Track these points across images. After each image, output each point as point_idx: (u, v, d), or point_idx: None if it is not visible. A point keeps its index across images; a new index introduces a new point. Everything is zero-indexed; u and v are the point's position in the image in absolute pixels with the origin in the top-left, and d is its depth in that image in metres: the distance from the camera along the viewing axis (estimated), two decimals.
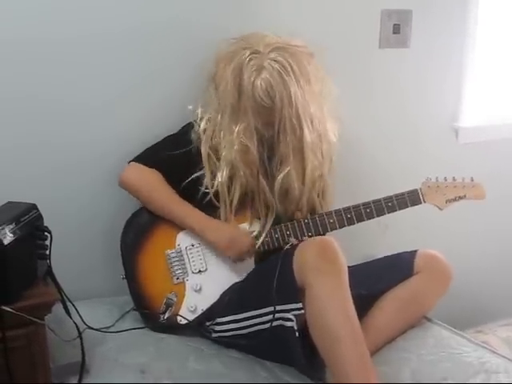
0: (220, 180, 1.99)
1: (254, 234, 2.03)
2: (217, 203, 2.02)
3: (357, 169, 2.43)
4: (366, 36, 2.44)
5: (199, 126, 2.04)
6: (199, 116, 2.05)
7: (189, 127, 2.07)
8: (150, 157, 2.07)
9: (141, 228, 2.09)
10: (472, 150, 2.65)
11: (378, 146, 2.52)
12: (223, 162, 1.99)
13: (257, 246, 2.03)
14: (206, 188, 2.01)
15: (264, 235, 2.03)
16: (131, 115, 2.17)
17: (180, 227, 2.06)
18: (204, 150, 2.01)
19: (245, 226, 2.04)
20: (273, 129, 1.97)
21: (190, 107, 2.07)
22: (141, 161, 2.07)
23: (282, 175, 2.00)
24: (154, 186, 2.05)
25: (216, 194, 2.01)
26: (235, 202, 2.01)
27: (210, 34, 2.10)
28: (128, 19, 2.09)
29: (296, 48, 1.95)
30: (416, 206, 2.06)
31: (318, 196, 2.10)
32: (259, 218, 2.05)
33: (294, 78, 1.91)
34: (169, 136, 2.10)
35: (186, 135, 2.06)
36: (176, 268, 2.05)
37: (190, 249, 2.06)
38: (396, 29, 2.47)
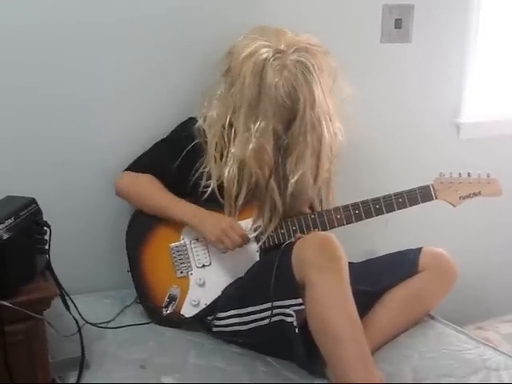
0: (227, 175, 1.95)
1: (259, 231, 2.01)
2: (221, 199, 1.99)
3: (357, 165, 2.42)
4: (368, 31, 2.43)
5: (204, 121, 2.01)
6: (205, 110, 2.03)
7: (187, 124, 2.05)
8: (144, 163, 2.06)
9: (146, 222, 2.07)
10: (474, 146, 2.64)
11: (378, 142, 2.50)
12: (233, 158, 1.95)
13: (260, 243, 2.01)
14: (206, 185, 1.99)
15: (268, 232, 2.01)
16: (135, 109, 2.16)
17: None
18: (210, 144, 1.99)
19: (248, 221, 2.02)
20: (289, 129, 1.95)
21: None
22: (134, 169, 2.07)
23: (296, 177, 1.96)
24: (145, 193, 2.05)
25: (219, 190, 1.98)
26: (241, 199, 1.98)
27: (219, 25, 2.11)
28: (132, 10, 2.07)
29: (315, 48, 1.94)
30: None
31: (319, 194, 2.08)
32: (263, 215, 2.02)
33: (317, 79, 1.90)
34: (162, 140, 2.08)
35: (185, 132, 2.04)
36: (180, 262, 2.05)
37: (195, 243, 2.05)
38: (398, 23, 2.45)
